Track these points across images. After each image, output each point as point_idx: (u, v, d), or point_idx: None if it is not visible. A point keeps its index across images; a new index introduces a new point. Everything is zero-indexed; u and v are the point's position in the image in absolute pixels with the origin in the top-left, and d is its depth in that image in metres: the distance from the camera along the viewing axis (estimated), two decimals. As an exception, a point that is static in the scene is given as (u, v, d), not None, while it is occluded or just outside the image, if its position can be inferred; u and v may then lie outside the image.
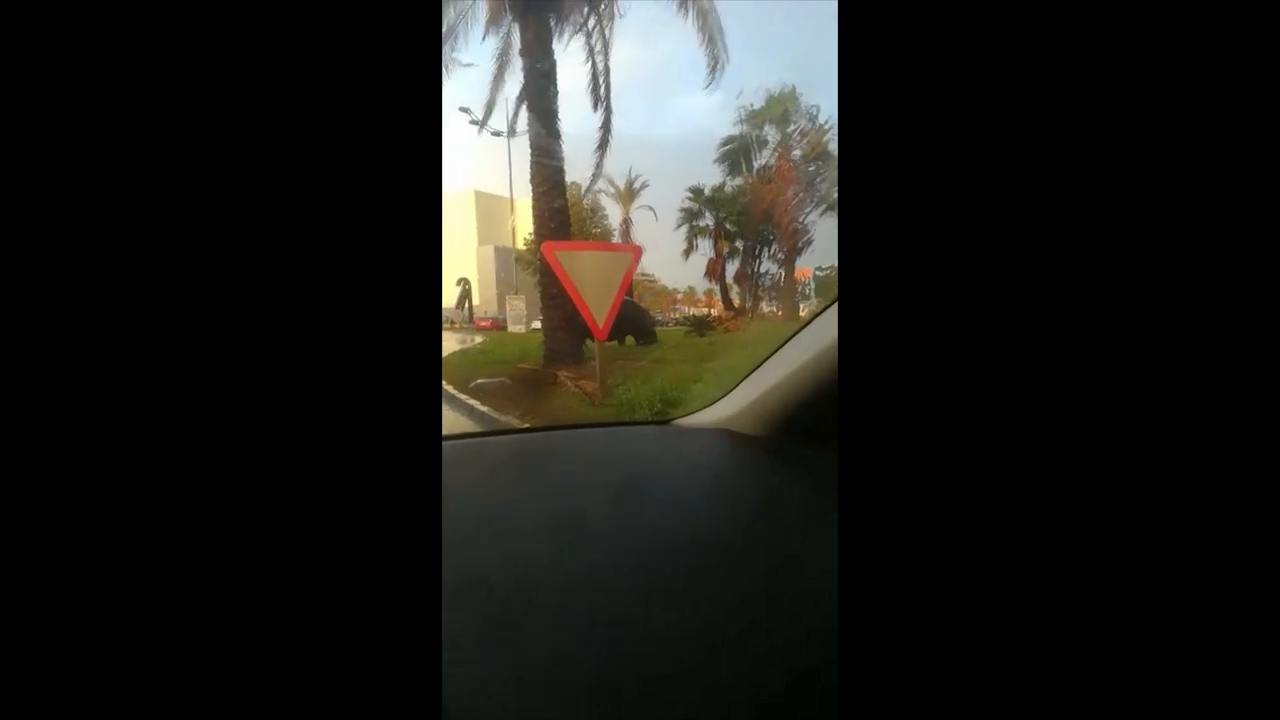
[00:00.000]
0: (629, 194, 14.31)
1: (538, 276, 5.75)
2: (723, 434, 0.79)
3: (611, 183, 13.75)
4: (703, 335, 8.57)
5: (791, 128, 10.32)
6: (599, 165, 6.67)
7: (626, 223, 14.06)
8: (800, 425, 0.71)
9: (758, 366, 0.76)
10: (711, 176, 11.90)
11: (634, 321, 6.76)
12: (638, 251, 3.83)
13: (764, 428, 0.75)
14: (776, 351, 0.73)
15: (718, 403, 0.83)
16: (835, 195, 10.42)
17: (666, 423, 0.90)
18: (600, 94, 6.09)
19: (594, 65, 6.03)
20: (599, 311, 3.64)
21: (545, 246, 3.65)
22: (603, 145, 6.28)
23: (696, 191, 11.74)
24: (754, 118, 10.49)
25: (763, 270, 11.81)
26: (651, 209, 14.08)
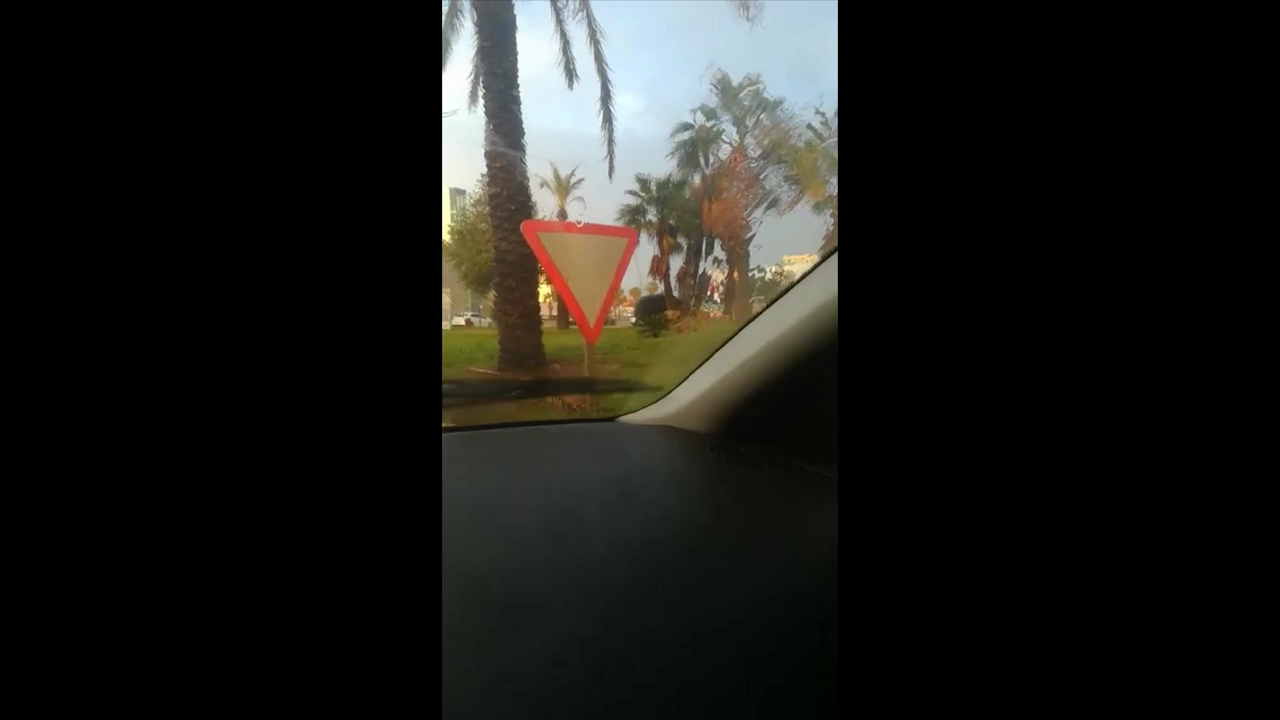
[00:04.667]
0: (564, 186, 13.62)
1: (495, 266, 4.94)
2: (670, 431, 0.79)
3: (555, 172, 13.04)
4: (656, 335, 8.15)
5: (751, 120, 10.19)
6: (610, 142, 5.86)
7: (561, 215, 13.38)
8: (746, 423, 0.72)
9: (699, 366, 0.76)
10: (653, 170, 11.51)
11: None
12: (633, 236, 3.24)
13: (708, 425, 0.75)
14: (719, 350, 0.73)
15: (661, 400, 0.84)
16: (778, 194, 10.50)
17: (611, 419, 0.89)
18: (570, 64, 5.36)
19: (562, 31, 5.30)
20: (590, 308, 3.00)
21: (527, 226, 3.00)
22: (607, 120, 5.49)
23: (644, 183, 11.29)
24: (714, 109, 10.25)
25: (702, 270, 11.65)
26: (582, 199, 13.52)
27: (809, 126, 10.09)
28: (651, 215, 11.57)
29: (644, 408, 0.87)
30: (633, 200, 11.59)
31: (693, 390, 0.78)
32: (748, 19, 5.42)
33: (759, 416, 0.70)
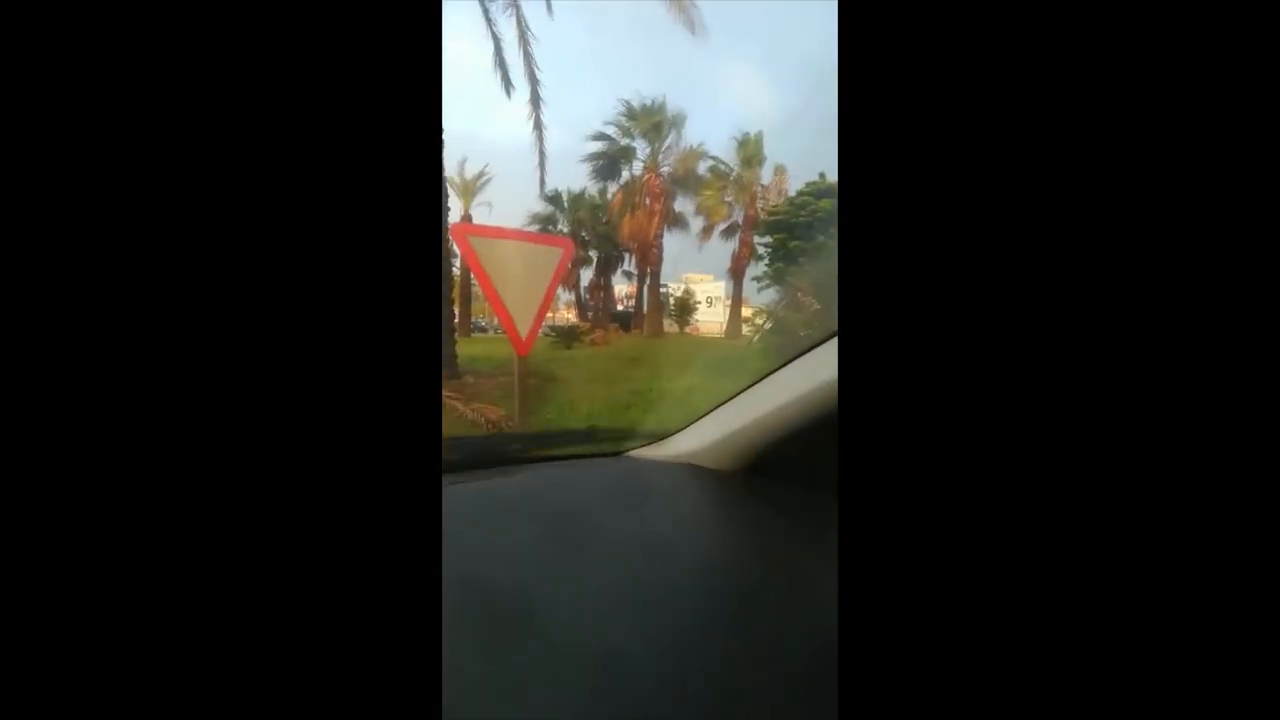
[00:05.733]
0: (469, 188, 13.05)
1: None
2: (693, 470, 0.75)
3: (461, 173, 12.42)
4: (570, 348, 7.98)
5: (664, 143, 10.41)
6: (540, 152, 5.46)
7: (466, 219, 12.79)
8: (785, 465, 0.68)
9: (732, 397, 0.73)
10: (560, 182, 11.40)
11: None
12: (569, 246, 3.13)
13: (743, 465, 0.72)
14: (757, 383, 0.70)
15: (681, 434, 0.79)
16: (686, 216, 10.84)
17: (618, 455, 0.83)
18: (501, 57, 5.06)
19: (493, 32, 5.01)
20: (523, 318, 2.84)
21: (456, 230, 2.80)
22: (538, 127, 5.12)
23: (553, 196, 11.10)
24: (628, 129, 10.33)
25: (611, 283, 11.70)
26: (489, 204, 13.06)
27: (713, 157, 10.57)
28: (563, 226, 11.42)
29: (649, 444, 0.82)
30: (541, 209, 11.38)
31: (723, 426, 0.75)
32: (693, 33, 5.47)
33: (806, 459, 0.67)
